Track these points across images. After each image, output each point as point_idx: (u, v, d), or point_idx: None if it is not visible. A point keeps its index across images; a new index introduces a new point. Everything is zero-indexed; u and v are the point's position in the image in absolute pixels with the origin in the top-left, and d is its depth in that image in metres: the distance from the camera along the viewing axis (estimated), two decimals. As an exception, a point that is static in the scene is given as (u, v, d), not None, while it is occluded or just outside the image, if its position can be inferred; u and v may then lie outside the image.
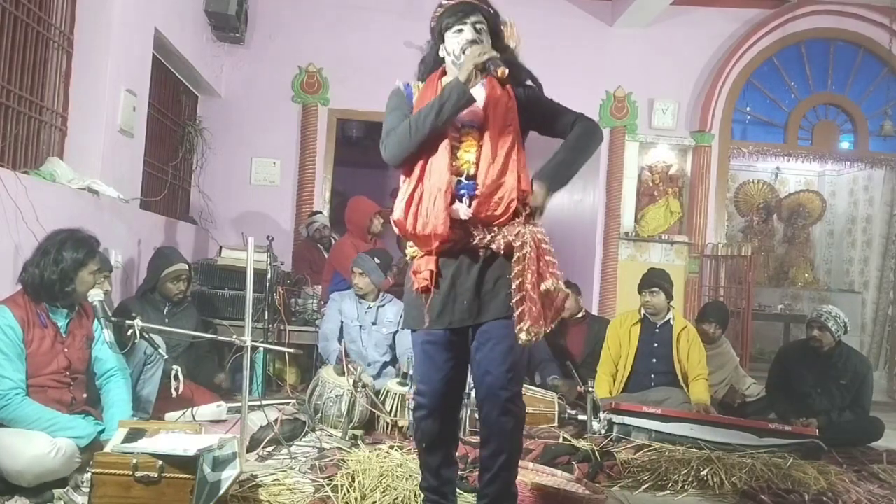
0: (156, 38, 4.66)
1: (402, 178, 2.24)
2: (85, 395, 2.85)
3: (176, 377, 2.90)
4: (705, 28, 6.55)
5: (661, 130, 6.56)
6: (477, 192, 2.14)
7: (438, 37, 2.28)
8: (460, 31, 2.21)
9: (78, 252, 2.69)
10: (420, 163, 2.18)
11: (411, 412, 2.31)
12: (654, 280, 4.47)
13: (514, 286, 2.09)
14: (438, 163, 2.16)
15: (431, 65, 2.33)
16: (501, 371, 2.15)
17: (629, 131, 6.51)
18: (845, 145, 6.74)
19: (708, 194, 6.50)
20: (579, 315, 5.10)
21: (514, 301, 2.08)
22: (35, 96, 3.65)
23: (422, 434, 2.27)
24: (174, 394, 2.92)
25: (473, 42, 2.18)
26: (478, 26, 2.21)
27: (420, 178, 2.17)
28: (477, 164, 2.16)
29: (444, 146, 2.17)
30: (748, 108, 6.66)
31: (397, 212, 2.18)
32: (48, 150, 3.77)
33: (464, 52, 2.17)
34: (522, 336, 2.06)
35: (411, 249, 2.28)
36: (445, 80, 2.25)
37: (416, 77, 2.38)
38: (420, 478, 2.39)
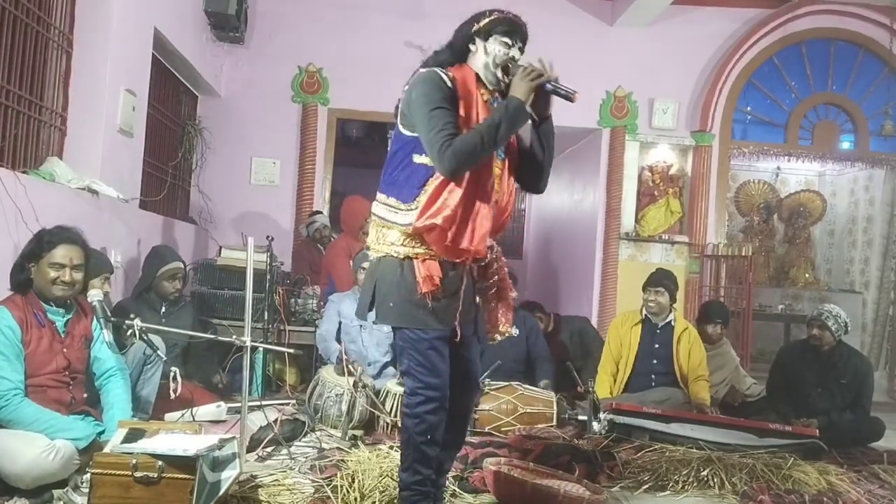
0: (155, 37, 4.66)
1: (433, 184, 2.21)
2: (85, 395, 2.84)
3: (174, 379, 2.89)
4: (705, 28, 6.54)
5: (661, 130, 6.56)
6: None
7: (482, 35, 2.30)
8: (509, 45, 2.30)
9: (32, 244, 2.70)
10: (468, 179, 2.21)
11: (416, 407, 2.28)
12: (662, 280, 4.46)
13: (490, 294, 2.43)
14: (488, 187, 2.27)
15: (455, 55, 2.33)
16: (479, 364, 2.57)
17: (629, 131, 6.50)
18: (846, 145, 6.73)
19: (708, 194, 6.49)
20: (549, 329, 5.13)
21: (490, 306, 2.45)
22: (35, 96, 3.64)
23: (428, 426, 2.29)
24: (172, 395, 2.92)
25: (517, 62, 2.31)
26: (522, 51, 2.36)
27: (466, 195, 2.20)
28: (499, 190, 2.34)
29: (494, 169, 2.29)
30: (748, 108, 6.65)
31: (437, 219, 2.17)
32: (48, 149, 3.76)
33: (504, 66, 2.29)
34: (497, 337, 2.47)
35: (412, 249, 2.26)
36: (491, 97, 2.34)
37: (429, 63, 2.33)
38: (405, 476, 2.33)
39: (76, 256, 2.74)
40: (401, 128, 2.30)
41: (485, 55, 2.30)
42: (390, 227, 2.28)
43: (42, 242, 2.70)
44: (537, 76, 2.24)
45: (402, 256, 2.26)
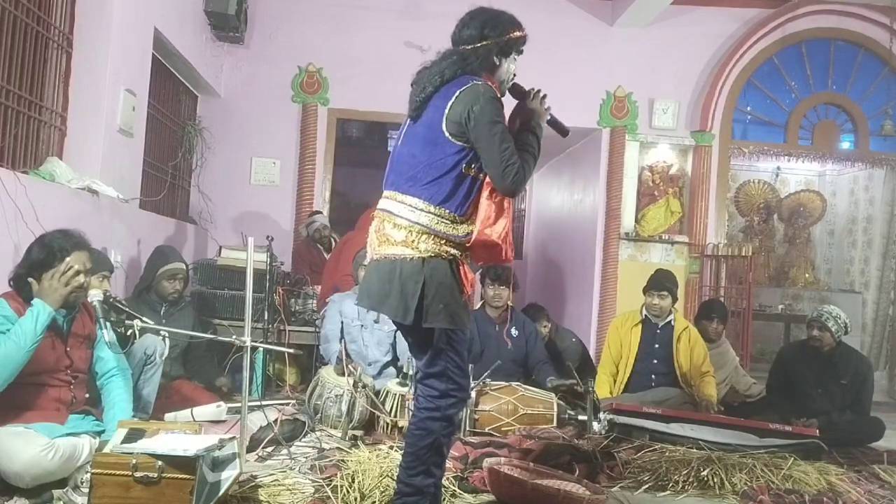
0: (155, 37, 4.66)
1: (489, 200, 2.25)
2: (87, 395, 2.84)
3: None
4: (705, 28, 6.54)
5: (661, 130, 6.56)
6: None
7: (502, 50, 2.35)
8: (516, 61, 2.40)
9: (41, 253, 2.65)
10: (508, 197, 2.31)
11: (448, 409, 2.28)
12: (664, 283, 4.46)
13: None
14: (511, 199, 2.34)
15: (486, 67, 2.35)
16: None
17: (629, 131, 6.50)
18: (846, 145, 6.73)
19: (708, 194, 6.49)
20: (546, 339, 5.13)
21: None
22: (35, 96, 3.64)
23: (454, 427, 2.33)
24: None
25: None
26: None
27: (509, 211, 2.29)
28: None
29: None
30: (749, 108, 6.65)
31: (496, 236, 2.24)
32: (48, 149, 3.76)
33: (511, 82, 2.42)
34: None
35: (457, 251, 2.26)
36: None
37: (458, 66, 2.30)
38: (418, 481, 2.28)
39: (87, 261, 2.74)
40: (450, 138, 2.23)
41: (503, 72, 2.38)
42: (436, 234, 2.24)
43: (53, 251, 2.66)
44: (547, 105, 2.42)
45: (451, 258, 2.25)
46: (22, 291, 2.66)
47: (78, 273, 2.65)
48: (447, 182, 2.23)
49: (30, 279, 2.63)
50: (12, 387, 2.56)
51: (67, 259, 2.65)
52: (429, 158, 2.25)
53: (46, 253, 2.65)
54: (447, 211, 2.23)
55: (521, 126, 2.38)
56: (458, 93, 2.23)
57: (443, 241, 2.23)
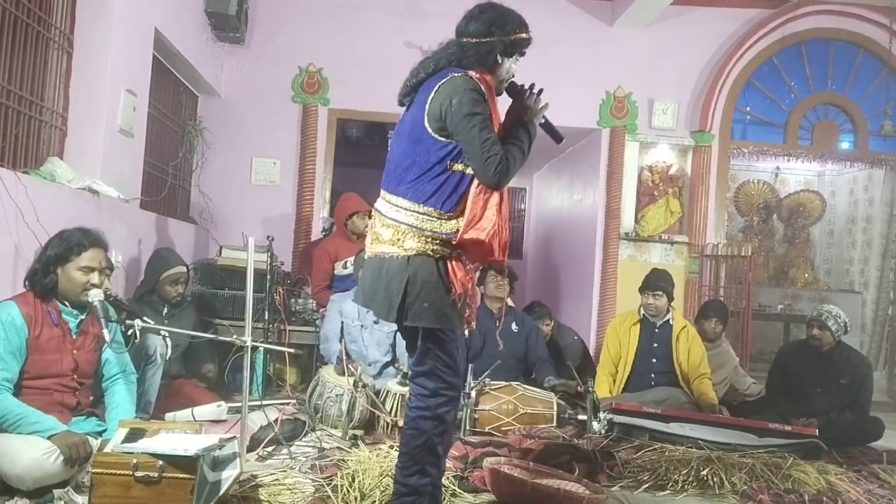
0: (156, 38, 4.66)
1: (476, 196, 2.21)
2: (91, 398, 2.85)
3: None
4: (705, 28, 6.55)
5: (661, 130, 6.56)
6: None
7: (506, 50, 2.33)
8: (517, 62, 2.37)
9: (58, 247, 2.67)
10: (499, 194, 2.27)
11: (439, 408, 2.27)
12: (659, 283, 4.47)
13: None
14: (505, 198, 2.31)
15: (483, 65, 2.32)
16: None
17: (629, 131, 6.50)
18: (845, 145, 6.73)
19: (708, 194, 6.50)
20: (548, 338, 5.13)
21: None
22: (35, 96, 3.65)
23: (446, 426, 2.32)
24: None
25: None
26: None
27: (500, 209, 2.26)
28: None
29: None
30: (748, 108, 6.65)
31: (483, 234, 2.21)
32: (48, 150, 3.76)
33: (509, 81, 2.40)
34: (467, 332, 2.39)
35: (445, 249, 2.24)
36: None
37: (453, 59, 2.29)
38: (413, 480, 2.29)
39: (104, 259, 2.75)
40: (433, 134, 2.23)
41: (504, 71, 2.36)
42: (422, 233, 2.23)
43: (71, 245, 2.67)
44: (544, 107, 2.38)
45: (438, 256, 2.24)
46: (37, 287, 2.66)
47: (93, 270, 2.67)
48: (431, 180, 2.23)
49: (50, 272, 2.64)
50: (16, 391, 2.57)
51: (84, 254, 2.66)
52: (414, 156, 2.26)
53: (64, 247, 2.67)
54: (432, 208, 2.23)
55: (513, 121, 2.35)
56: (437, 86, 2.23)
57: (429, 239, 2.23)
